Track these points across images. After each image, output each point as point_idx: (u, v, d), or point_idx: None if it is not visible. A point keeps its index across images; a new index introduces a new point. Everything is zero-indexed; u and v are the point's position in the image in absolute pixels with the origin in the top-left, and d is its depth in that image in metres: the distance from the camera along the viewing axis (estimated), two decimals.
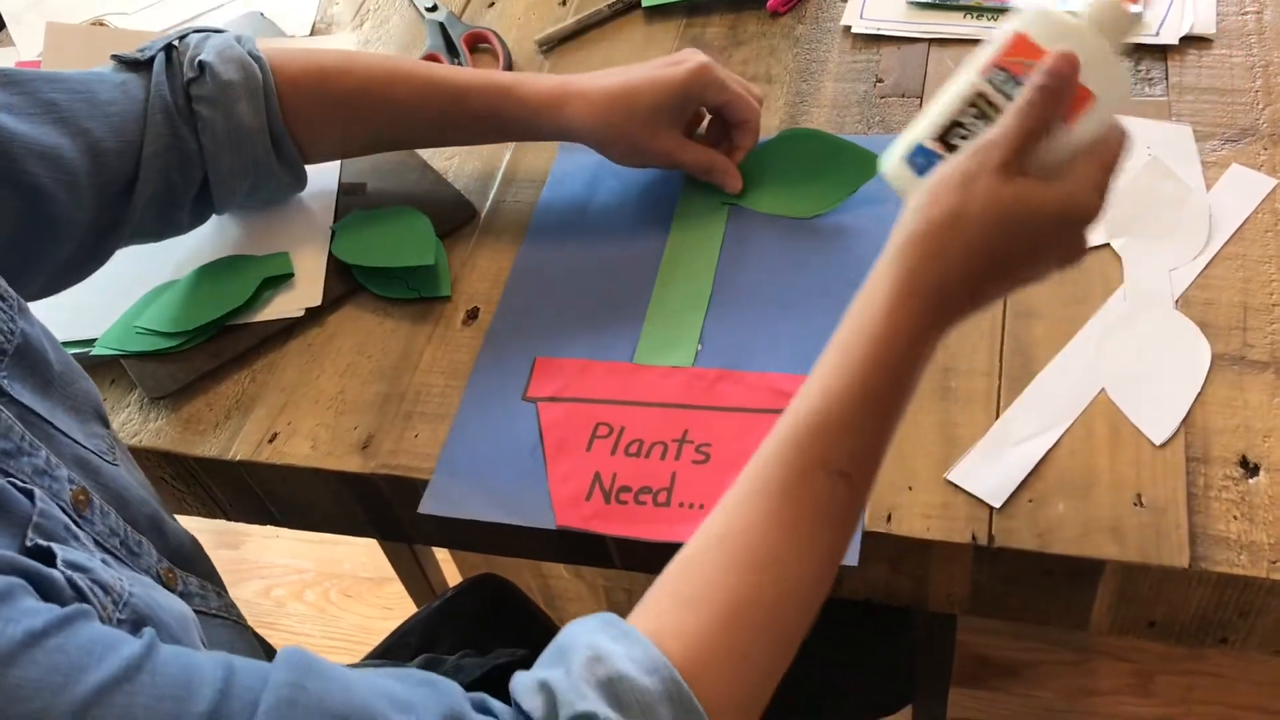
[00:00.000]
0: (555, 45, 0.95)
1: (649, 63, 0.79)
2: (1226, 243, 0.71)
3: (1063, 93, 0.54)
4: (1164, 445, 0.63)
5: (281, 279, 0.79)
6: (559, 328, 0.75)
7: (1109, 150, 0.55)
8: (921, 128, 0.58)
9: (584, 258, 0.79)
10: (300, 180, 0.81)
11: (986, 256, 0.53)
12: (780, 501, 0.52)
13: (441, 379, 0.74)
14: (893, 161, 0.59)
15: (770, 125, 0.84)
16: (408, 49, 0.98)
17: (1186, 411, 0.64)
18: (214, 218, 0.81)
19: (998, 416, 0.66)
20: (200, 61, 0.74)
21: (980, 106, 0.57)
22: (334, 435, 0.72)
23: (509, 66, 0.93)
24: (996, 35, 0.57)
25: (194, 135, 0.74)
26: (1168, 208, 0.74)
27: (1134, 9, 0.57)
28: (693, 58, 0.77)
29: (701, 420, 0.69)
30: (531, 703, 0.47)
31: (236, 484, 0.75)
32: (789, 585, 0.52)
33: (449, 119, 0.79)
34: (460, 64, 0.94)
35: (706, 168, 0.79)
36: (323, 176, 0.85)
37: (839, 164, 0.79)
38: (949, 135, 0.57)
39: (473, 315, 0.77)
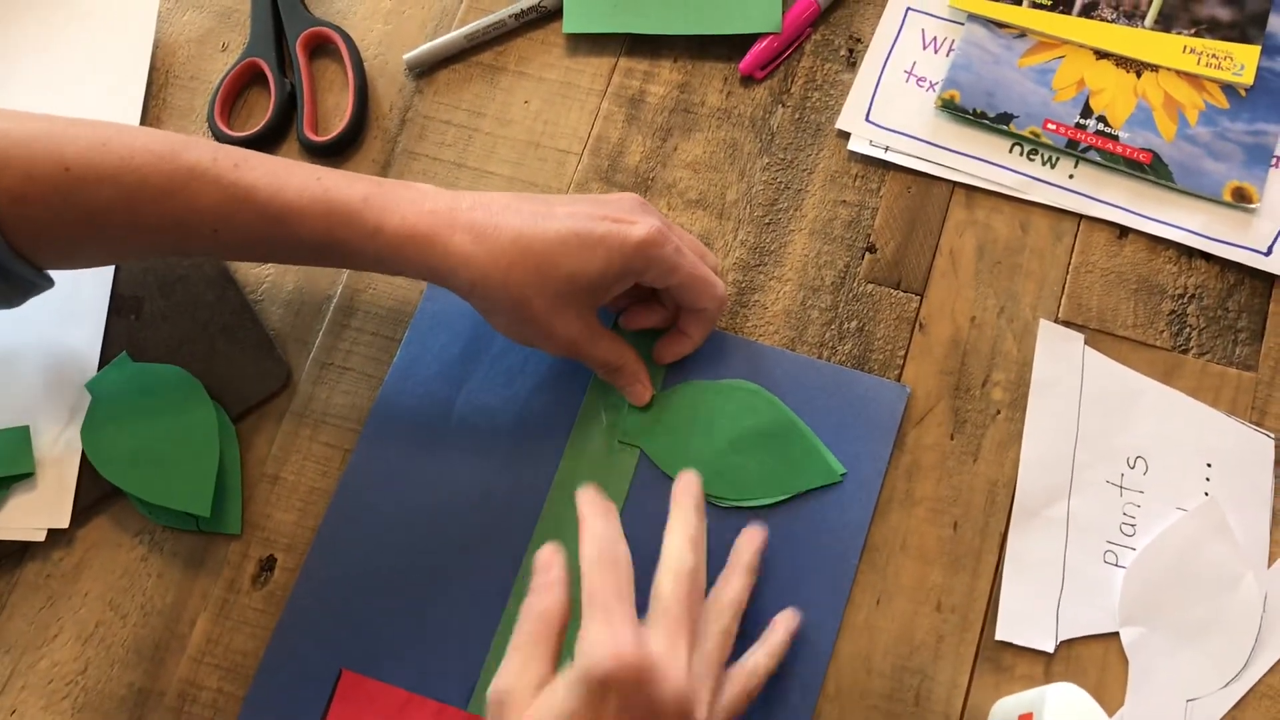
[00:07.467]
0: (432, 69, 0.67)
1: (577, 200, 0.54)
2: (1275, 668, 0.53)
3: None
4: None
5: (17, 479, 0.58)
6: (381, 625, 0.56)
7: None
8: None
9: (433, 509, 0.58)
10: (41, 283, 0.55)
11: None
12: None
13: (215, 678, 0.56)
14: None
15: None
16: (219, 27, 0.68)
17: None
18: None
19: None
20: None
21: None
22: None
23: (361, 89, 0.65)
24: None
25: None
26: (1209, 589, 0.54)
27: None
28: (642, 219, 0.53)
29: None
30: None
31: None
32: None
33: (265, 243, 0.53)
34: (290, 81, 0.66)
35: (614, 368, 0.57)
36: (92, 280, 0.62)
37: (790, 453, 0.57)
38: None
39: (267, 568, 0.58)
